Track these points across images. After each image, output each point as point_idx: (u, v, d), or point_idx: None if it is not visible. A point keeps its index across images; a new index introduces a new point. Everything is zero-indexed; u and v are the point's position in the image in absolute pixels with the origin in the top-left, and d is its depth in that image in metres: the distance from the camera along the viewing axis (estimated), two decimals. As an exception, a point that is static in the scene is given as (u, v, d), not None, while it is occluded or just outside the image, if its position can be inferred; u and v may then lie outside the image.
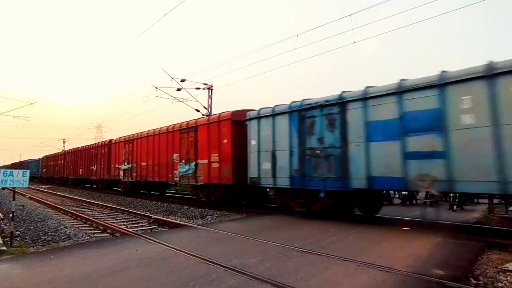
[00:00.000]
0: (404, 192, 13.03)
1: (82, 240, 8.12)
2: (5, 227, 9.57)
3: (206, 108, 20.51)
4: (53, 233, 8.95)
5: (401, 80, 7.47)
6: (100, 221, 10.41)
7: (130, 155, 19.81)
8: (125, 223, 10.58)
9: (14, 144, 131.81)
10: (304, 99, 9.50)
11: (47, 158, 42.48)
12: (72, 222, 11.07)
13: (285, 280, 4.07)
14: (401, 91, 7.34)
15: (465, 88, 6.48)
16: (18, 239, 8.19)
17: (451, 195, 8.21)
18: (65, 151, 36.05)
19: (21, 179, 7.51)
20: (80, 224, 10.69)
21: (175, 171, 15.27)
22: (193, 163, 13.95)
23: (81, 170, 28.38)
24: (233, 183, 11.97)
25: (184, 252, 5.60)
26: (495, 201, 9.89)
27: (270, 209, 11.73)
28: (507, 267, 4.96)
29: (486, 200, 10.70)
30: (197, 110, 20.23)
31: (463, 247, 5.85)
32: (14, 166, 56.91)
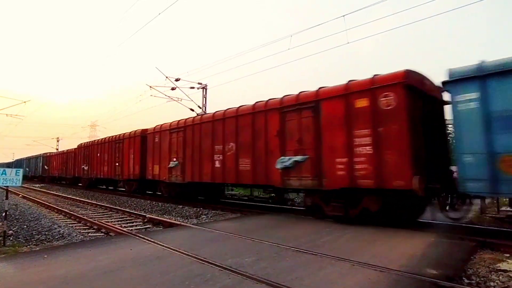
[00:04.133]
0: None
1: (76, 240, 8.08)
2: (-3, 226, 9.49)
3: (200, 108, 20.51)
4: (46, 233, 8.89)
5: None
6: (95, 220, 10.36)
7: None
8: (120, 222, 10.54)
9: (7, 143, 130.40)
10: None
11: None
12: (66, 221, 11.00)
13: (280, 280, 4.08)
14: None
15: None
16: (11, 239, 8.12)
17: (443, 194, 8.24)
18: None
19: (14, 178, 7.48)
20: (74, 223, 10.62)
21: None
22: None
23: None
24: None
25: (179, 251, 5.59)
26: (488, 201, 10.00)
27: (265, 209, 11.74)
28: (499, 266, 5.03)
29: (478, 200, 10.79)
30: (192, 110, 20.22)
31: (456, 246, 5.92)
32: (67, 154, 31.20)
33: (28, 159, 47.48)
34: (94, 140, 24.94)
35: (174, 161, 14.54)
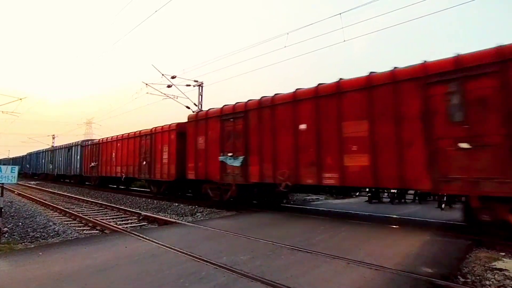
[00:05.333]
0: (393, 191, 13.02)
1: (71, 237, 8.04)
2: (-8, 223, 9.42)
3: (196, 105, 20.45)
4: (41, 230, 8.85)
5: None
6: (90, 217, 10.31)
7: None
8: (115, 220, 10.50)
9: (3, 140, 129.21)
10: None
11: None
12: (61, 218, 10.95)
13: (275, 278, 4.07)
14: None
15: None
16: (6, 236, 8.08)
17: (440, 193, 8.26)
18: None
19: (9, 175, 7.42)
20: (69, 220, 10.58)
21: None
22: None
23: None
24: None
25: (174, 249, 5.57)
26: None
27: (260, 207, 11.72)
28: (495, 265, 5.04)
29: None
30: (188, 107, 20.14)
31: (451, 245, 5.93)
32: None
33: (52, 151, 32.90)
34: (260, 98, 10.74)
35: None
